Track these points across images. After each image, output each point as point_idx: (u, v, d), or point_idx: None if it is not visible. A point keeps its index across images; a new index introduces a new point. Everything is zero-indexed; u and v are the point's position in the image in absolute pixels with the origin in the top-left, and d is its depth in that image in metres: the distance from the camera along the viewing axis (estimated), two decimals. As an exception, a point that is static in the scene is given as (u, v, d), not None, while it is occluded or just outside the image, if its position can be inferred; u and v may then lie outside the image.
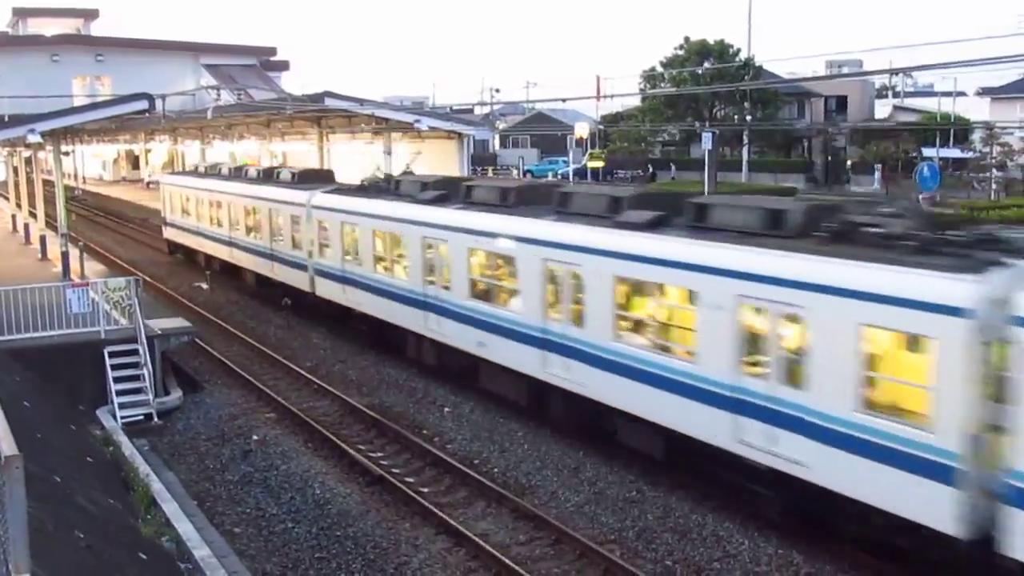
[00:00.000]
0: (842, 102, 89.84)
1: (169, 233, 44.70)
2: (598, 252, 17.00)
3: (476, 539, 14.54)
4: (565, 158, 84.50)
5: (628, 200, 17.77)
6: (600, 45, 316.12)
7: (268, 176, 34.57)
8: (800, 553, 13.92)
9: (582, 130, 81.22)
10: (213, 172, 41.31)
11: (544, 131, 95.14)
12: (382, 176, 29.27)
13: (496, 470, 17.60)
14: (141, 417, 20.50)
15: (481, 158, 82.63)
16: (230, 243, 36.11)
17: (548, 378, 18.49)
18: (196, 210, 40.06)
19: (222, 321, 30.36)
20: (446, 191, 23.31)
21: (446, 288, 21.61)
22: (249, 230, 34.30)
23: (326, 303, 28.28)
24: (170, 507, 14.85)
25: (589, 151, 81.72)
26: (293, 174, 32.83)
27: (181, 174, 47.68)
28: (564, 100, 43.07)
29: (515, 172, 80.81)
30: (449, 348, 21.97)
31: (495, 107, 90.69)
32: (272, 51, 76.24)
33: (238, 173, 38.09)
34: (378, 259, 25.02)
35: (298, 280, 29.99)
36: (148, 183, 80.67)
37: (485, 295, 20.49)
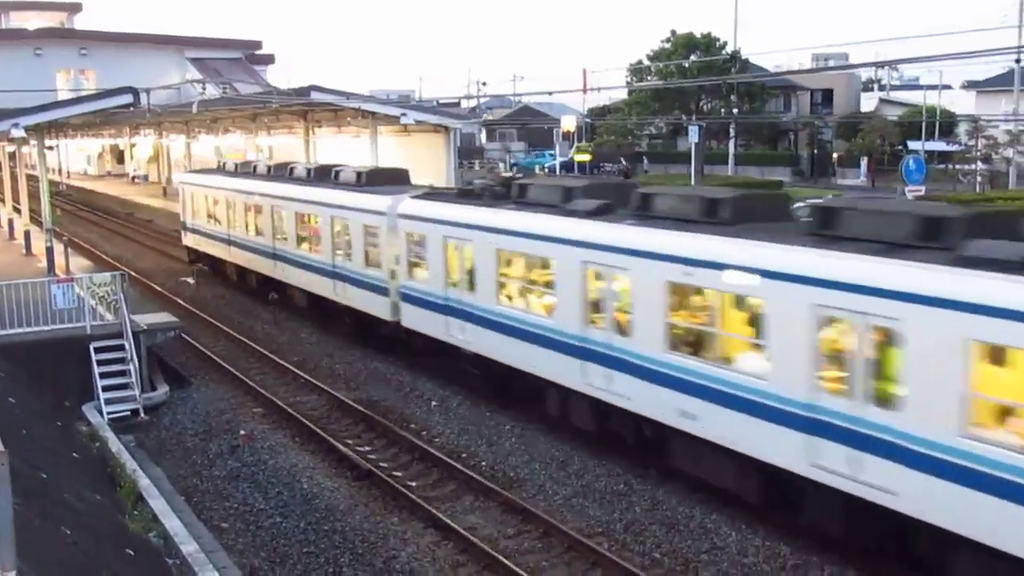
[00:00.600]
0: (828, 95, 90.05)
1: (191, 240, 38.86)
2: (935, 302, 11.60)
3: (464, 532, 14.54)
4: (552, 151, 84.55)
5: (960, 224, 12.48)
6: (588, 38, 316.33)
7: (323, 176, 29.18)
8: (787, 545, 13.96)
9: (569, 123, 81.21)
10: (246, 170, 35.96)
11: (531, 124, 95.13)
12: (496, 177, 24.66)
13: (484, 463, 17.60)
14: (127, 413, 20.41)
15: (468, 151, 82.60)
16: (274, 256, 30.57)
17: (815, 474, 13.07)
18: (228, 215, 34.42)
19: (209, 316, 30.26)
20: (608, 200, 17.95)
21: (623, 333, 16.33)
22: (301, 241, 28.93)
23: (414, 336, 22.95)
24: (157, 503, 14.80)
25: (576, 144, 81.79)
26: (359, 174, 27.21)
27: (206, 172, 41.14)
28: (551, 93, 43.28)
29: (502, 166, 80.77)
30: (619, 411, 16.69)
31: (481, 100, 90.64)
32: (258, 44, 76.09)
33: (281, 172, 32.52)
34: (503, 287, 19.68)
35: (373, 305, 24.71)
36: (133, 178, 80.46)
37: (695, 347, 15.15)
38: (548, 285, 18.41)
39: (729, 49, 74.71)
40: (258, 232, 31.94)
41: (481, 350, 20.20)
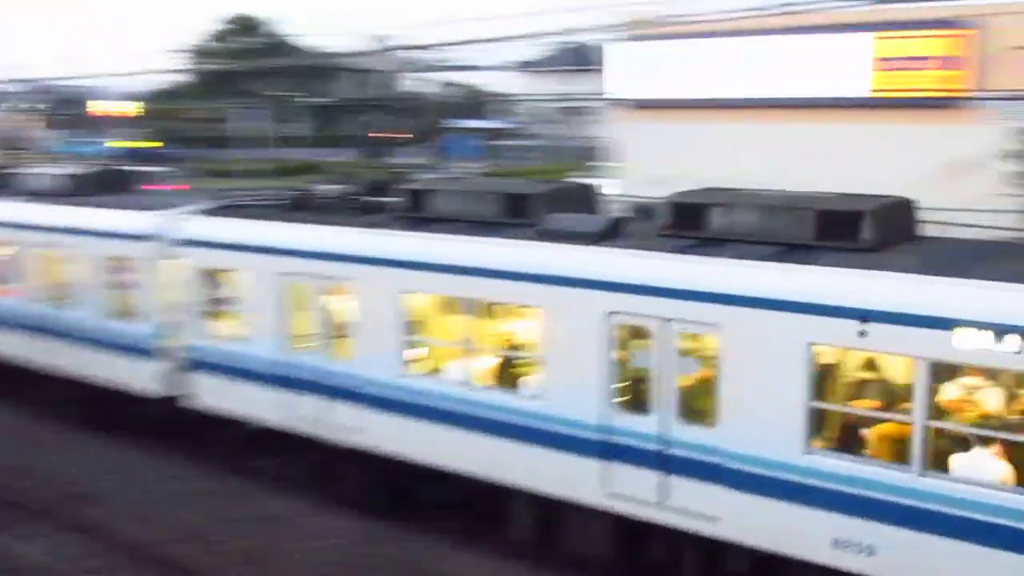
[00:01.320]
0: (380, 77, 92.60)
1: None
2: None
3: (18, 561, 13.15)
4: (99, 139, 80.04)
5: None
6: (143, 19, 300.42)
7: None
8: (380, 523, 13.95)
9: (97, 107, 77.81)
10: None
11: (70, 112, 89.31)
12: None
13: (53, 482, 15.94)
14: None
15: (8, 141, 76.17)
16: None
17: None
18: None
19: None
20: (603, 215, 13.25)
21: (702, 422, 10.91)
22: None
23: (213, 420, 15.97)
24: None
25: (140, 131, 78.38)
26: (72, 176, 19.52)
27: None
28: (89, 77, 40.69)
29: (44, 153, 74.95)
30: (676, 535, 11.38)
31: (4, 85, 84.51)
32: None
33: None
34: (417, 348, 13.57)
35: (125, 374, 17.19)
36: None
37: (860, 446, 10.26)
38: (527, 350, 12.66)
39: (282, 30, 74.74)
40: None
41: (378, 444, 13.76)
